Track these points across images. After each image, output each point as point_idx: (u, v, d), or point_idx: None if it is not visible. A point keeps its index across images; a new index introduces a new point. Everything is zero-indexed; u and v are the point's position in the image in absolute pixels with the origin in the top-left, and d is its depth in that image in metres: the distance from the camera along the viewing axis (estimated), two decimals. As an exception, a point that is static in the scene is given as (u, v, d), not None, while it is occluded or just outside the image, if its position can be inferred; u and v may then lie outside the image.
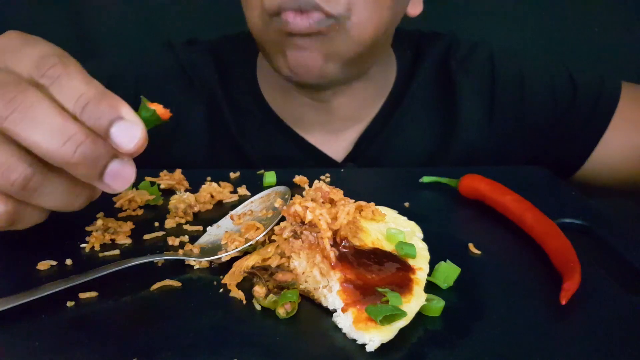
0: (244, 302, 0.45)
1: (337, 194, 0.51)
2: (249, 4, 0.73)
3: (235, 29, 0.93)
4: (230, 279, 0.48)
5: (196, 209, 0.62)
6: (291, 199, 0.52)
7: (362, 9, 0.70)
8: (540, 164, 0.85)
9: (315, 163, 0.86)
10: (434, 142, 0.87)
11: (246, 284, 0.48)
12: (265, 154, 0.85)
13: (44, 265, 0.50)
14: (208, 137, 0.85)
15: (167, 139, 0.84)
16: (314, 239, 0.46)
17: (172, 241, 0.55)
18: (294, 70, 0.74)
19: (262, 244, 0.53)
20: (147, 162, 0.83)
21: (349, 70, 0.77)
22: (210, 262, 0.51)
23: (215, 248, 0.53)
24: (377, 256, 0.47)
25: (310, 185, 0.67)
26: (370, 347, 0.39)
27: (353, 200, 0.52)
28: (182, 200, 0.61)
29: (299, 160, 0.86)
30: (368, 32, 0.72)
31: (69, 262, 0.51)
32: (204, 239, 0.55)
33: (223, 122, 0.85)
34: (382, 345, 0.39)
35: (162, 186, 0.67)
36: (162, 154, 0.84)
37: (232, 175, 0.72)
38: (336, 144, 0.87)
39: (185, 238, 0.56)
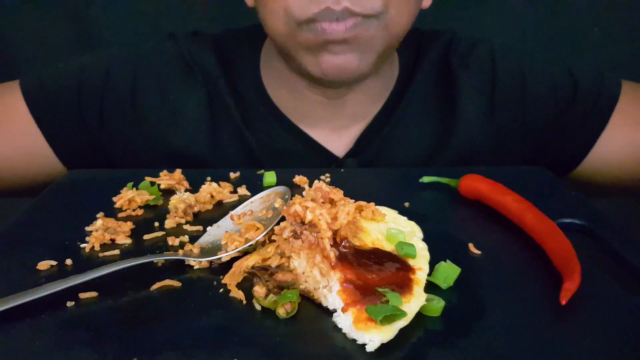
0: (244, 302, 0.45)
1: (337, 194, 0.51)
2: (272, 12, 0.71)
3: (238, 24, 0.93)
4: (230, 279, 0.48)
5: (196, 209, 0.62)
6: (291, 199, 0.52)
7: (398, 2, 0.70)
8: (540, 161, 0.85)
9: (317, 158, 0.86)
10: (434, 138, 0.87)
11: (246, 284, 0.48)
12: (266, 145, 0.85)
13: (44, 265, 0.50)
14: (209, 124, 0.85)
15: (165, 123, 0.84)
16: (314, 239, 0.46)
17: (172, 241, 0.55)
18: (327, 72, 0.73)
19: (262, 244, 0.53)
20: (146, 148, 0.84)
21: (379, 64, 0.78)
22: (210, 262, 0.51)
23: (215, 248, 0.53)
24: (377, 256, 0.47)
25: (310, 185, 0.67)
26: (370, 347, 0.39)
27: (353, 200, 0.52)
28: (182, 200, 0.61)
29: (300, 155, 0.86)
30: (403, 24, 0.74)
31: (69, 262, 0.51)
32: (204, 239, 0.55)
33: (225, 110, 0.85)
34: (382, 345, 0.39)
35: (162, 186, 0.67)
36: (160, 139, 0.84)
37: (232, 175, 0.72)
38: (338, 140, 0.87)
39: (185, 238, 0.56)
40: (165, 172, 0.69)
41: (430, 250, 0.50)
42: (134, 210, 0.62)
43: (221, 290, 0.47)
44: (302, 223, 0.48)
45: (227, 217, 0.58)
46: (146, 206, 0.63)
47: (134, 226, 0.58)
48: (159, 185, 0.67)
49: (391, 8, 0.70)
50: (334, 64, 0.72)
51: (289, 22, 0.70)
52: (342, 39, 0.68)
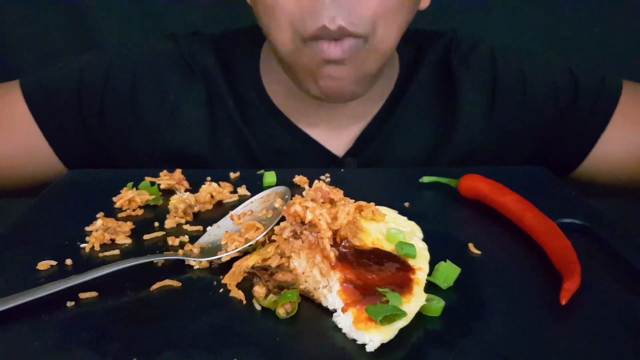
0: (244, 302, 0.45)
1: (337, 194, 0.51)
2: (279, 27, 0.71)
3: (238, 24, 0.93)
4: (230, 279, 0.48)
5: (196, 209, 0.62)
6: (291, 199, 0.52)
7: (385, 21, 0.71)
8: (541, 161, 0.85)
9: (317, 158, 0.86)
10: (434, 138, 0.87)
11: (246, 284, 0.48)
12: (266, 145, 0.85)
13: (44, 265, 0.50)
14: (209, 123, 0.85)
15: (165, 123, 0.84)
16: (314, 239, 0.46)
17: (172, 241, 0.55)
18: (326, 94, 0.76)
19: (262, 244, 0.53)
20: (146, 147, 0.84)
21: (375, 81, 0.80)
22: (210, 262, 0.51)
23: (215, 248, 0.53)
24: (377, 256, 0.47)
25: (310, 185, 0.67)
26: (370, 347, 0.39)
27: (353, 200, 0.52)
28: (182, 200, 0.61)
29: (300, 154, 0.86)
30: (392, 42, 0.74)
31: (69, 262, 0.51)
32: (204, 239, 0.55)
33: (225, 110, 0.85)
34: (382, 345, 0.39)
35: (162, 186, 0.67)
36: (160, 139, 0.84)
37: (232, 175, 0.72)
38: (338, 140, 0.87)
39: (185, 238, 0.56)
40: (165, 172, 0.69)
41: (430, 250, 0.50)
42: (134, 210, 0.62)
43: (221, 290, 0.47)
44: (302, 223, 0.48)
45: (227, 217, 0.58)
46: (146, 206, 0.63)
47: (134, 226, 0.58)
48: (159, 185, 0.66)
49: (379, 28, 0.70)
50: (332, 89, 0.74)
51: (295, 39, 0.70)
52: (339, 58, 0.70)
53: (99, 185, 0.68)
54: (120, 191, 0.64)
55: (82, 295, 0.45)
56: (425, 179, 0.69)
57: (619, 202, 0.97)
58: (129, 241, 0.55)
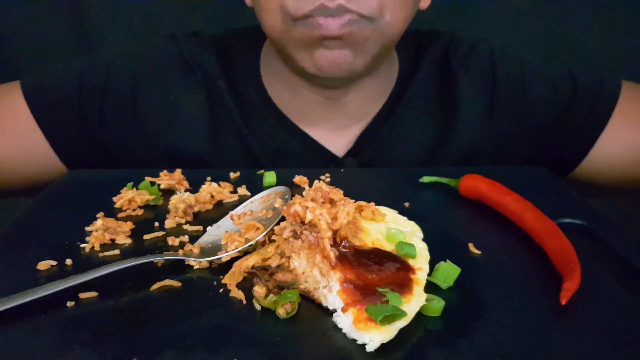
0: (244, 302, 0.45)
1: (337, 194, 0.51)
2: (267, 9, 0.72)
3: (238, 25, 0.93)
4: (230, 279, 0.48)
5: (196, 209, 0.62)
6: (291, 199, 0.52)
7: (394, 7, 0.71)
8: (540, 161, 0.85)
9: (317, 158, 0.86)
10: (434, 138, 0.87)
11: (246, 284, 0.48)
12: (267, 145, 0.85)
13: (44, 265, 0.50)
14: (209, 124, 0.85)
15: (165, 123, 0.84)
16: (314, 239, 0.46)
17: (172, 241, 0.55)
18: (322, 68, 0.73)
19: (262, 244, 0.53)
20: (146, 148, 0.85)
21: (374, 65, 0.79)
22: (210, 262, 0.51)
23: (215, 248, 0.53)
24: (377, 256, 0.47)
25: (310, 185, 0.67)
26: (370, 347, 0.39)
27: (353, 200, 0.52)
28: (182, 200, 0.61)
29: (300, 154, 0.86)
30: (398, 29, 0.74)
31: (69, 262, 0.51)
32: (204, 239, 0.55)
33: (225, 110, 0.85)
34: (382, 345, 0.39)
35: (162, 186, 0.67)
36: (160, 139, 0.84)
37: (232, 175, 0.72)
38: (339, 140, 0.87)
39: (185, 238, 0.56)
40: (165, 172, 0.69)
41: (430, 250, 0.50)
42: (134, 210, 0.62)
43: (221, 290, 0.47)
44: (302, 223, 0.48)
45: (227, 217, 0.58)
46: (146, 206, 0.63)
47: (134, 226, 0.58)
48: (159, 185, 0.67)
49: (386, 13, 0.70)
50: (328, 59, 0.72)
51: (285, 19, 0.70)
52: (337, 35, 0.68)
53: (99, 185, 0.68)
54: (120, 191, 0.64)
55: (82, 295, 0.45)
56: (425, 179, 0.69)
57: (619, 202, 0.97)
58: (129, 241, 0.55)
